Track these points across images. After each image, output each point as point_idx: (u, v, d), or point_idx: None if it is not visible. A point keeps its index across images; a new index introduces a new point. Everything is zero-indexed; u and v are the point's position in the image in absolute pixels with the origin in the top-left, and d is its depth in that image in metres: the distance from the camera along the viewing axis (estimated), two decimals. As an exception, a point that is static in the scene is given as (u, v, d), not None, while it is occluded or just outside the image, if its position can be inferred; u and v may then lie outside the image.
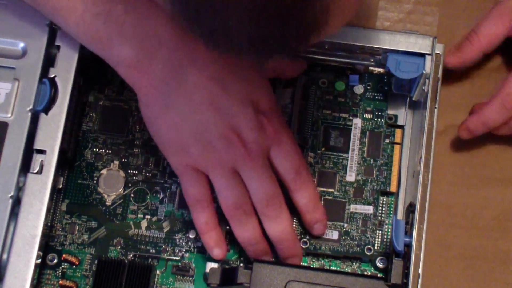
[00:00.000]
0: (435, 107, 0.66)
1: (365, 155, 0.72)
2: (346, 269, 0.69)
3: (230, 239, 0.69)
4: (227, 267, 0.68)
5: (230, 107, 0.63)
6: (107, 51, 0.62)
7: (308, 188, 0.67)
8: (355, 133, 0.73)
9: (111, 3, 0.60)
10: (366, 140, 0.73)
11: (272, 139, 0.65)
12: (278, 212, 0.66)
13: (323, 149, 0.72)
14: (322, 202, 0.70)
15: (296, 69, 0.72)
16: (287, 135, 0.66)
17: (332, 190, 0.71)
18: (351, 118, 0.73)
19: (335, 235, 0.70)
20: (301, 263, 0.69)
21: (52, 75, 0.66)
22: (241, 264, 0.69)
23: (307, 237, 0.70)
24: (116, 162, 0.72)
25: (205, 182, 0.66)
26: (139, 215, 0.71)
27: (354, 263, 0.69)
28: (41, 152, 0.65)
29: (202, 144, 0.63)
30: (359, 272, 0.69)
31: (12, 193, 0.63)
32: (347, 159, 0.72)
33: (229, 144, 0.63)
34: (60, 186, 0.70)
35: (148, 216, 0.70)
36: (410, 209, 0.67)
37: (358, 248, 0.69)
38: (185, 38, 0.62)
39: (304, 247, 0.69)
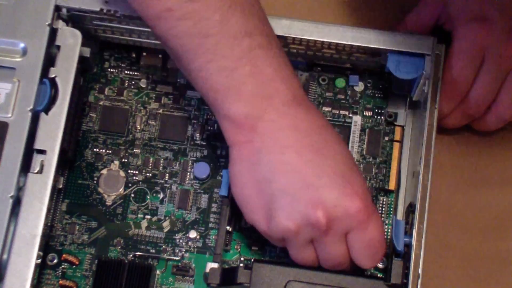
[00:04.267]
0: (435, 107, 0.66)
1: (364, 152, 0.72)
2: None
3: (230, 239, 0.70)
4: (227, 267, 0.68)
5: (319, 179, 0.60)
6: (219, 103, 0.62)
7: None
8: (355, 131, 0.73)
9: (239, 62, 0.60)
10: (366, 137, 0.73)
11: (357, 219, 0.61)
12: (339, 267, 0.65)
13: (323, 147, 0.72)
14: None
15: None
16: (375, 219, 0.63)
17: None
18: (351, 115, 0.73)
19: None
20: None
21: (53, 75, 0.66)
22: (241, 264, 0.69)
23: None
24: (116, 162, 0.72)
25: None
26: (139, 215, 0.71)
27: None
28: (41, 152, 0.65)
29: (284, 207, 0.61)
30: (359, 272, 0.69)
31: (12, 193, 0.63)
32: (347, 157, 0.72)
33: (312, 216, 0.60)
34: (60, 186, 0.70)
35: (148, 216, 0.71)
36: (410, 209, 0.67)
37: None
38: (295, 108, 0.61)
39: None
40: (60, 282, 0.68)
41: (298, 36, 0.68)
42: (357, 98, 0.74)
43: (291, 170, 0.60)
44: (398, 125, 0.73)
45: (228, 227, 0.67)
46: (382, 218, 0.70)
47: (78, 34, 0.68)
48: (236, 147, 0.62)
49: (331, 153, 0.62)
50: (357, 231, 0.62)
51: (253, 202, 0.62)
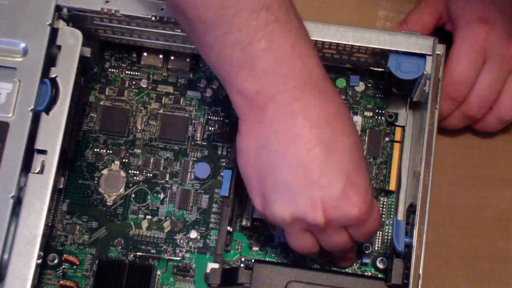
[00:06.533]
0: (436, 108, 0.66)
1: (364, 153, 0.72)
2: (347, 269, 0.69)
3: (230, 239, 0.70)
4: (227, 267, 0.68)
5: (323, 177, 0.59)
6: (232, 77, 0.61)
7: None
8: (355, 131, 0.73)
9: (255, 36, 0.59)
10: (366, 138, 0.73)
11: (357, 220, 0.61)
12: (344, 250, 0.65)
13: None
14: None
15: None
16: (374, 215, 0.62)
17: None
18: (351, 116, 0.73)
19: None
20: (302, 263, 0.69)
21: (53, 75, 0.66)
22: (242, 265, 0.69)
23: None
24: (117, 162, 0.72)
25: None
26: (139, 215, 0.71)
27: (354, 264, 0.69)
28: (42, 152, 0.65)
29: (283, 200, 0.60)
30: (360, 273, 0.69)
31: (13, 193, 0.63)
32: (347, 157, 0.72)
33: (310, 215, 0.60)
34: (61, 186, 0.70)
35: (149, 217, 0.70)
36: (411, 209, 0.67)
37: (356, 247, 0.69)
38: (308, 91, 0.60)
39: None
40: (61, 282, 0.68)
41: (298, 36, 0.68)
42: (357, 99, 0.74)
43: (297, 164, 0.60)
44: (398, 126, 0.73)
45: (228, 228, 0.67)
46: (383, 219, 0.71)
47: (78, 34, 0.68)
48: (246, 122, 0.62)
49: (338, 147, 0.60)
50: (356, 227, 0.62)
51: (254, 182, 0.62)
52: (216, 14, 0.59)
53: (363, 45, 0.68)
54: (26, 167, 0.64)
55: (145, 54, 0.74)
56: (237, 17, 0.59)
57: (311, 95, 0.60)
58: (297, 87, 0.60)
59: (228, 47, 0.60)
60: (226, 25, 0.59)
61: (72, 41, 0.67)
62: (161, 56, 0.74)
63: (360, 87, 0.74)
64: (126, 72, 0.74)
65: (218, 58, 0.61)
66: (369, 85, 0.74)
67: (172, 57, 0.74)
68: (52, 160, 0.65)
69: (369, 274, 0.69)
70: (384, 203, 0.71)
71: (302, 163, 0.60)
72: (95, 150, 0.72)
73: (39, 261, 0.65)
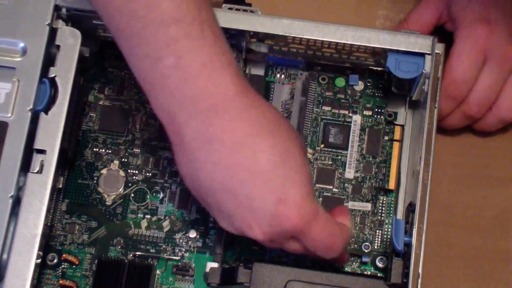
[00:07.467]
0: (435, 107, 0.66)
1: (364, 152, 0.72)
2: (346, 269, 0.69)
3: (230, 239, 0.70)
4: (227, 266, 0.68)
5: (250, 200, 0.58)
6: (147, 94, 0.59)
7: None
8: (355, 130, 0.73)
9: (163, 51, 0.56)
10: (366, 137, 0.73)
11: (295, 233, 0.59)
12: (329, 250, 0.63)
13: (322, 145, 0.72)
14: (321, 199, 0.71)
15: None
16: (319, 226, 0.60)
17: (331, 187, 0.71)
18: (350, 115, 0.73)
19: (333, 232, 0.70)
20: (301, 263, 0.69)
21: (52, 75, 0.66)
22: (241, 264, 0.69)
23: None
24: (116, 162, 0.72)
25: None
26: (139, 215, 0.71)
27: (354, 263, 0.69)
28: (41, 152, 0.65)
29: (225, 221, 0.61)
30: (359, 272, 0.69)
31: (12, 193, 0.63)
32: (346, 156, 0.72)
33: (250, 235, 0.60)
34: (60, 186, 0.70)
35: (148, 216, 0.70)
36: (410, 208, 0.67)
37: (356, 245, 0.70)
38: (221, 114, 0.57)
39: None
40: (60, 282, 0.68)
41: (298, 36, 0.68)
42: (357, 98, 0.74)
43: (224, 190, 0.58)
44: (398, 125, 0.73)
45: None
46: (382, 218, 0.71)
47: (78, 33, 0.68)
48: (173, 147, 0.60)
49: (261, 167, 0.58)
50: (301, 238, 0.60)
51: (202, 203, 0.62)
52: (127, 24, 0.57)
53: (363, 44, 0.68)
54: (25, 167, 0.64)
55: (144, 53, 0.74)
56: (146, 29, 0.56)
57: (225, 118, 0.57)
58: (209, 110, 0.57)
59: (139, 61, 0.58)
60: (136, 37, 0.57)
61: (71, 41, 0.67)
62: (160, 55, 0.74)
63: (360, 86, 0.74)
64: (125, 71, 0.74)
65: (134, 71, 0.59)
66: (369, 84, 0.74)
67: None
68: (51, 160, 0.65)
69: (369, 273, 0.69)
70: (384, 202, 0.71)
71: (228, 189, 0.58)
72: (94, 149, 0.72)
73: (39, 260, 0.64)
